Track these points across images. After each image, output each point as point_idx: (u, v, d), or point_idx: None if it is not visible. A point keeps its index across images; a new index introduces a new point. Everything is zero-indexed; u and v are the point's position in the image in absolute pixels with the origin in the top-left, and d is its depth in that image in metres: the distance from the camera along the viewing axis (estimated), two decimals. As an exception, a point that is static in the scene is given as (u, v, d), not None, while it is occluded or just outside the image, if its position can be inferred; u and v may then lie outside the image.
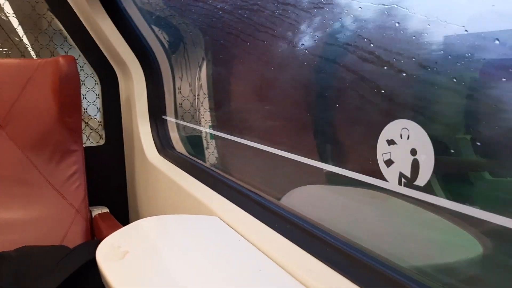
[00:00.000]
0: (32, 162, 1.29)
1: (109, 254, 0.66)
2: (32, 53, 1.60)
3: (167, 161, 1.29)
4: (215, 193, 0.94)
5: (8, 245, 1.17)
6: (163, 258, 0.65)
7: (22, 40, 1.56)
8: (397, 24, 0.55)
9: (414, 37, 0.53)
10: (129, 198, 1.64)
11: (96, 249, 1.08)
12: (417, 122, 0.49)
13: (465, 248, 0.57)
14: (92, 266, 1.05)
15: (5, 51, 1.56)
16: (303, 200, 0.87)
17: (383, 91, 0.57)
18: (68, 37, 1.51)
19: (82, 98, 1.38)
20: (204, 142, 1.50)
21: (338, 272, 0.57)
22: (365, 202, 0.73)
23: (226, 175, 1.02)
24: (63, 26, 1.48)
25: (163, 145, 1.38)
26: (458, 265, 0.57)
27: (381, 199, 0.67)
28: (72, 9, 1.44)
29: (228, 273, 0.61)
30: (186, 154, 1.38)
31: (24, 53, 1.58)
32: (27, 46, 1.57)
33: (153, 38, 1.46)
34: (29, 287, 0.99)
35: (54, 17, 1.49)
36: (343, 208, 0.79)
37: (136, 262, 0.63)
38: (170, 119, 1.47)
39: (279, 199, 0.87)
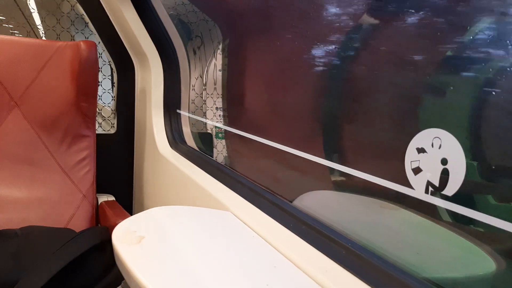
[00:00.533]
0: (44, 143, 1.29)
1: (126, 237, 0.66)
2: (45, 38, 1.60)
3: (179, 154, 1.29)
4: (228, 189, 0.95)
5: (12, 223, 1.17)
6: (179, 246, 0.65)
7: (39, 23, 1.57)
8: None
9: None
10: (135, 188, 1.64)
11: (101, 235, 1.09)
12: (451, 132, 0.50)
13: (478, 263, 0.57)
14: (95, 252, 1.05)
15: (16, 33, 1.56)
16: (314, 204, 0.87)
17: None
18: (90, 22, 1.51)
19: (98, 85, 1.39)
20: (214, 140, 1.51)
21: (356, 276, 0.58)
22: (374, 211, 0.73)
23: (240, 172, 1.02)
24: (86, 11, 1.49)
25: (175, 139, 1.39)
26: (470, 281, 0.58)
27: (390, 209, 0.67)
28: (96, -5, 1.45)
29: (244, 266, 0.61)
30: (198, 149, 1.39)
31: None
32: (39, 28, 1.57)
33: (174, 32, 1.47)
34: (30, 267, 0.99)
35: (77, 1, 1.50)
36: (351, 215, 0.79)
37: (153, 248, 0.63)
38: (184, 113, 1.48)
39: (290, 201, 0.88)
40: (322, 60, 0.83)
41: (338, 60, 0.78)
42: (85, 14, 1.50)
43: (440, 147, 0.51)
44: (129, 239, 0.65)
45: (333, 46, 0.79)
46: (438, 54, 0.57)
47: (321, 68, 0.84)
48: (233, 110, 1.35)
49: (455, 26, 0.55)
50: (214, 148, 1.51)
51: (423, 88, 0.59)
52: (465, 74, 0.52)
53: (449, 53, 0.55)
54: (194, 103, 1.55)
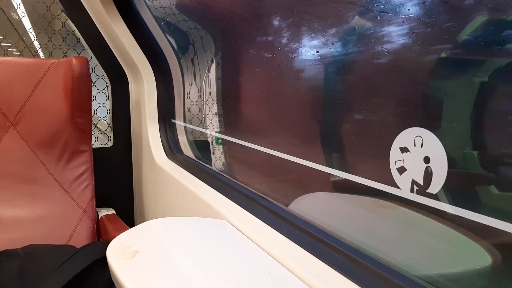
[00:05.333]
0: (41, 160, 1.30)
1: (120, 253, 0.66)
2: (42, 54, 1.61)
3: (175, 164, 1.30)
4: (223, 197, 0.95)
5: (14, 243, 1.18)
6: (173, 258, 0.66)
7: (34, 41, 1.58)
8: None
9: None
10: (135, 200, 1.64)
11: (103, 250, 1.09)
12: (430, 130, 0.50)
13: (474, 258, 0.57)
14: (97, 266, 1.06)
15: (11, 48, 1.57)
16: (311, 207, 0.87)
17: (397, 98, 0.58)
18: (81, 38, 1.52)
19: (92, 100, 1.40)
20: (211, 147, 1.52)
21: (348, 278, 0.58)
22: (372, 210, 0.73)
23: (235, 180, 1.03)
24: (77, 27, 1.50)
25: (172, 149, 1.39)
26: (466, 275, 0.57)
27: (388, 207, 0.67)
28: (86, 11, 1.46)
29: (237, 275, 0.61)
30: (194, 158, 1.39)
31: (35, 55, 1.60)
32: (32, 46, 1.58)
33: (165, 42, 1.48)
34: (34, 285, 0.99)
35: (67, 18, 1.51)
36: (350, 215, 0.79)
37: (147, 262, 0.64)
38: (179, 122, 1.48)
39: (287, 205, 0.88)
40: (316, 64, 0.83)
41: (332, 65, 0.78)
42: (76, 30, 1.51)
43: (422, 145, 0.51)
44: (123, 254, 0.66)
45: (327, 51, 0.79)
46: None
47: (315, 72, 0.84)
48: (229, 116, 1.36)
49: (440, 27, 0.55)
50: (212, 155, 1.52)
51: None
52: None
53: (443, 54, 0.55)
54: (190, 111, 1.55)
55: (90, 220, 1.30)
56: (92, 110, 1.40)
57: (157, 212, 1.38)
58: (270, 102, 1.03)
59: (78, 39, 1.55)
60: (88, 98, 1.34)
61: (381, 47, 0.63)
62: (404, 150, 0.53)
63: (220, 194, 0.97)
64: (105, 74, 1.58)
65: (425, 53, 0.56)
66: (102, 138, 1.65)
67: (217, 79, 1.43)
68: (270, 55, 0.99)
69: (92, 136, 1.42)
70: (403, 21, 0.59)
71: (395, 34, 0.59)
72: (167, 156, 1.38)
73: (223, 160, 1.45)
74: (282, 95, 0.96)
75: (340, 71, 0.74)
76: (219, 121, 1.46)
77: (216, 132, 1.50)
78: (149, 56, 1.45)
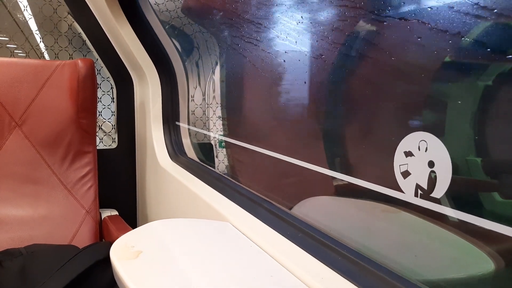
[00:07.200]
0: (46, 161, 1.31)
1: (123, 253, 0.66)
2: (47, 56, 1.62)
3: (179, 166, 1.30)
4: (226, 199, 0.95)
5: (17, 242, 1.18)
6: (176, 260, 0.66)
7: (40, 42, 1.59)
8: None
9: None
10: (138, 202, 1.65)
11: (105, 251, 1.10)
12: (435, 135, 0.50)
13: (477, 263, 0.57)
14: (100, 267, 1.06)
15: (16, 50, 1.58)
16: (314, 210, 0.87)
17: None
18: (87, 40, 1.53)
19: (97, 101, 1.40)
20: (215, 150, 1.52)
21: (351, 282, 0.58)
22: (375, 215, 0.73)
23: (238, 182, 1.03)
24: (83, 29, 1.51)
25: (175, 151, 1.40)
26: (469, 281, 0.57)
27: (391, 212, 0.67)
28: (92, 13, 1.47)
29: (240, 277, 0.61)
30: (198, 160, 1.39)
31: (41, 57, 1.61)
32: (38, 48, 1.59)
33: (170, 44, 1.48)
34: (36, 284, 1.00)
35: (74, 20, 1.52)
36: (354, 219, 0.79)
37: (150, 262, 0.64)
38: (183, 125, 1.49)
39: (290, 208, 0.88)
40: (320, 68, 0.83)
41: (336, 70, 0.78)
42: (82, 32, 1.52)
43: (426, 150, 0.51)
44: (127, 254, 0.66)
45: (333, 55, 0.79)
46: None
47: (320, 75, 0.84)
48: (232, 119, 1.36)
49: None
50: (215, 158, 1.52)
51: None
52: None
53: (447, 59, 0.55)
54: (194, 113, 1.56)
55: (93, 220, 1.30)
56: (97, 111, 1.41)
57: (159, 214, 1.38)
58: (274, 105, 1.04)
59: (84, 41, 1.56)
60: (93, 100, 1.34)
61: (385, 51, 0.63)
62: (408, 154, 0.54)
63: (223, 197, 0.97)
64: (110, 76, 1.59)
65: (430, 57, 0.56)
66: (106, 140, 1.66)
67: (221, 81, 1.43)
68: (275, 59, 1.00)
69: (97, 138, 1.42)
70: (407, 26, 0.59)
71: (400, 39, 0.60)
72: (170, 158, 1.38)
73: (226, 163, 1.45)
74: (286, 98, 0.96)
75: (344, 74, 0.74)
76: (223, 124, 1.47)
77: (219, 135, 1.51)
78: (154, 58, 1.46)
